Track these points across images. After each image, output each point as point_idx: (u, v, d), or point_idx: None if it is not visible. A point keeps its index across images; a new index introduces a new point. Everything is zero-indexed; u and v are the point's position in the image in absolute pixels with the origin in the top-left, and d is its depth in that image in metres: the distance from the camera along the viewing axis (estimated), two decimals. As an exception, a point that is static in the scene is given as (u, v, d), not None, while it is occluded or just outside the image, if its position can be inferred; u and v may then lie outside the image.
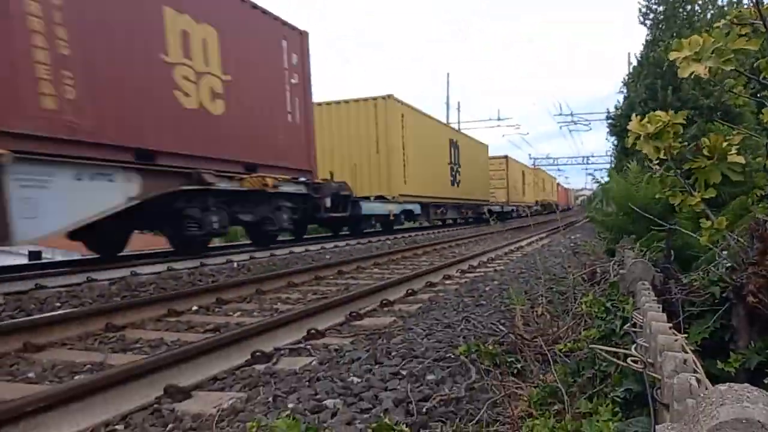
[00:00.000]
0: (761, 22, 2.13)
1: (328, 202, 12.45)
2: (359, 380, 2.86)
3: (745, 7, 2.44)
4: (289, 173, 10.82)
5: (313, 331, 4.05)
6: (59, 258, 11.36)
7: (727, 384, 0.84)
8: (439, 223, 22.96)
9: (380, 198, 16.24)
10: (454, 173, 22.60)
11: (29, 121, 5.72)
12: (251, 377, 3.09)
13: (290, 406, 2.53)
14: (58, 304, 5.49)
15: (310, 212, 12.18)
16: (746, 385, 0.84)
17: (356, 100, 16.83)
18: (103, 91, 6.70)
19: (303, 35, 11.39)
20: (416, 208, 18.25)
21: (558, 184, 59.90)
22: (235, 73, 9.14)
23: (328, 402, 2.55)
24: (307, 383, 2.88)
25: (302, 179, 11.45)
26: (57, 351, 3.89)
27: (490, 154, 30.17)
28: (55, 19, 6.02)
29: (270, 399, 2.65)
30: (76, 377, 3.21)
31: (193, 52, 8.26)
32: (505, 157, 32.28)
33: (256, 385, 2.95)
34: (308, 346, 3.73)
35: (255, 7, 9.88)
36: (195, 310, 5.28)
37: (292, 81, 10.94)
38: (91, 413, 2.58)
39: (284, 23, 10.78)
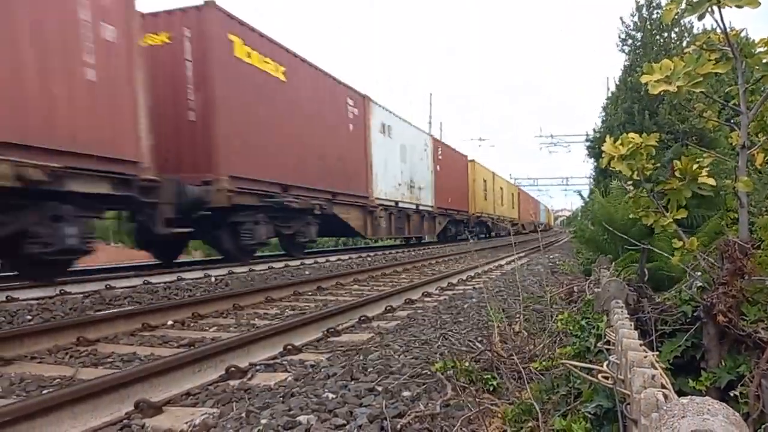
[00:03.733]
0: (729, 49, 2.20)
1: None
2: (334, 396, 2.83)
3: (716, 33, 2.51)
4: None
5: (289, 346, 4.02)
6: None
7: (689, 397, 0.86)
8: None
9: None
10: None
11: None
12: (225, 393, 3.04)
13: (263, 422, 2.49)
14: (29, 317, 5.37)
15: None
16: (707, 398, 0.85)
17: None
18: None
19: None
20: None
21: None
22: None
23: (302, 418, 2.52)
24: (281, 399, 2.85)
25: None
26: (26, 365, 3.80)
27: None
28: None
29: (243, 415, 2.61)
30: (44, 391, 3.14)
31: None
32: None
33: (229, 400, 2.90)
34: (284, 362, 3.69)
35: None
36: (170, 324, 5.20)
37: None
38: (58, 428, 2.52)
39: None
